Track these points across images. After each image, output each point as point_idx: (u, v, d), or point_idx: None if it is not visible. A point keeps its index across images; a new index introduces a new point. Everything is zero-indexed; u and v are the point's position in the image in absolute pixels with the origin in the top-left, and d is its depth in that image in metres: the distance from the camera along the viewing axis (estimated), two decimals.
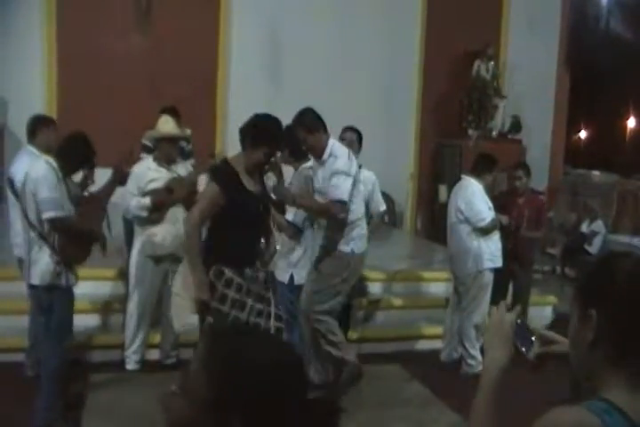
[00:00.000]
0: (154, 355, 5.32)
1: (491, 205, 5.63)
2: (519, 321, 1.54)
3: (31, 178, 4.02)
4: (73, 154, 4.25)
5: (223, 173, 4.02)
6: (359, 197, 4.77)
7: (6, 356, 5.22)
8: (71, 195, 4.16)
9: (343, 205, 4.53)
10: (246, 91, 9.71)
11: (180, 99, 8.95)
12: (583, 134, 20.23)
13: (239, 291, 3.95)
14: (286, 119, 5.04)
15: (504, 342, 1.51)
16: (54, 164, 4.08)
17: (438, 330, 6.32)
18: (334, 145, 4.63)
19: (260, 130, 4.06)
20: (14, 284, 5.46)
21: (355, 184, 4.65)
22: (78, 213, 4.13)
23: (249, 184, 4.05)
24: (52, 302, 4.05)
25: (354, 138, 5.46)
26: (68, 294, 4.16)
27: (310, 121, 4.60)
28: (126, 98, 9.37)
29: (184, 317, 3.99)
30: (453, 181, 9.92)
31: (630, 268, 1.35)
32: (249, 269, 4.05)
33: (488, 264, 5.56)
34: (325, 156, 4.58)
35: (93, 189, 4.67)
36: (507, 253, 5.74)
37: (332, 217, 4.59)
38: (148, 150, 5.97)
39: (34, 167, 4.13)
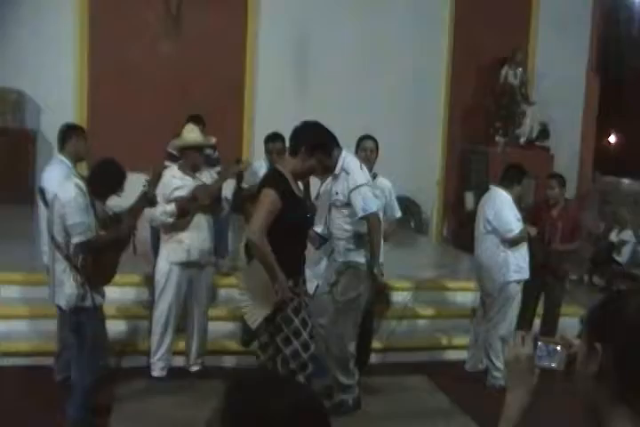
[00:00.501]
0: (179, 361, 5.34)
1: (519, 216, 5.58)
2: (539, 342, 1.53)
3: (60, 201, 4.05)
4: (104, 183, 4.26)
5: (277, 178, 4.01)
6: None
7: (36, 359, 5.31)
8: (99, 218, 4.17)
9: (375, 215, 4.63)
10: (273, 97, 9.75)
11: (208, 105, 9.03)
12: (611, 138, 19.96)
13: (299, 302, 3.97)
14: None
15: (523, 379, 1.53)
16: (84, 187, 4.11)
17: (464, 340, 6.28)
18: (346, 158, 4.69)
19: (317, 138, 4.07)
20: (43, 289, 5.55)
21: (373, 193, 4.74)
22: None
23: (297, 190, 4.09)
24: (81, 322, 4.08)
25: (374, 147, 5.50)
26: (95, 314, 4.19)
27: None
28: (155, 104, 9.46)
29: (258, 315, 3.93)
30: (480, 189, 9.96)
31: (638, 305, 1.34)
32: (300, 278, 4.10)
33: (514, 276, 5.51)
34: (338, 170, 4.65)
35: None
36: (536, 266, 5.68)
37: (378, 233, 4.68)
38: (173, 159, 6.01)
39: (63, 190, 4.15)
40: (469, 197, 10.07)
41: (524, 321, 5.97)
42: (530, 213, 5.97)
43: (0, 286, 5.89)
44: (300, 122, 4.22)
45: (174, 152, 6.23)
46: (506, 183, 5.67)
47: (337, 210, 4.70)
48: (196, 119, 6.50)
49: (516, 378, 1.53)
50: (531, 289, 5.79)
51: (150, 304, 5.59)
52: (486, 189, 9.61)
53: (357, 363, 5.23)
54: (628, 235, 9.14)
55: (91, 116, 9.57)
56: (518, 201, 5.68)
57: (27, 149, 9.26)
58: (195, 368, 5.32)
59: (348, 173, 4.60)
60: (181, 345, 5.38)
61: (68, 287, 4.05)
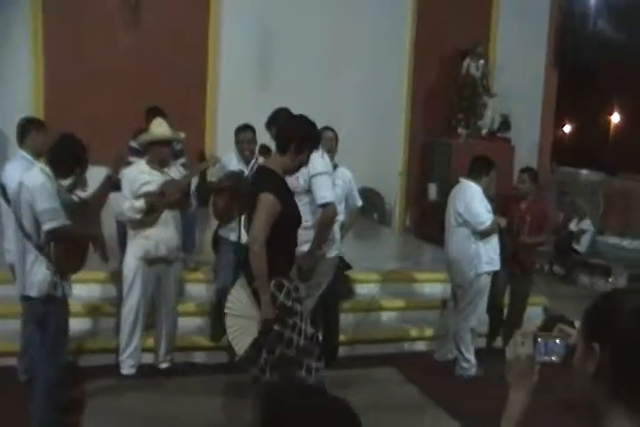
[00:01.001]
0: (148, 359, 5.29)
1: (489, 207, 5.62)
2: (538, 338, 1.56)
3: (27, 188, 3.94)
4: (65, 157, 4.16)
5: (272, 179, 3.88)
6: (336, 198, 4.82)
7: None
8: (64, 205, 4.08)
9: (332, 205, 4.62)
10: (236, 89, 9.69)
11: (170, 97, 8.90)
12: (568, 129, 20.35)
13: (297, 302, 3.89)
14: None
15: (524, 378, 1.56)
16: (49, 171, 4.03)
17: (431, 331, 6.38)
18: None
19: (307, 133, 3.99)
20: (5, 287, 5.45)
21: (333, 183, 4.75)
22: (71, 220, 4.06)
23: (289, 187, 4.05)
24: (48, 313, 4.00)
25: (334, 137, 5.57)
26: (63, 305, 4.12)
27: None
28: (115, 97, 9.30)
29: (246, 341, 3.78)
30: (443, 180, 10.08)
31: (633, 305, 1.37)
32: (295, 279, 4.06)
33: (486, 268, 5.57)
34: None
35: (85, 192, 4.63)
36: (506, 257, 5.76)
37: (329, 224, 4.64)
38: (137, 153, 5.93)
39: (28, 176, 4.05)
40: (432, 188, 10.18)
41: (494, 312, 6.07)
42: (499, 205, 6.02)
43: None
44: (284, 115, 4.17)
45: (137, 146, 6.16)
46: (474, 175, 5.70)
47: (298, 197, 4.54)
48: (157, 111, 6.41)
49: (517, 377, 1.57)
50: (499, 280, 5.87)
51: (118, 301, 5.52)
52: (449, 180, 9.83)
53: (325, 356, 5.27)
54: (586, 224, 9.35)
55: (47, 109, 9.37)
56: (486, 192, 5.72)
57: None
58: (164, 365, 5.27)
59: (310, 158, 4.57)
60: (150, 342, 5.32)
61: (40, 274, 3.97)
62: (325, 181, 4.63)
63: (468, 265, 5.58)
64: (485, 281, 5.63)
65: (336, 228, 5.02)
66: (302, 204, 4.55)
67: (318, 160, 4.62)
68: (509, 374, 1.58)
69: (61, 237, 3.96)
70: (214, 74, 10.05)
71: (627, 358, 1.34)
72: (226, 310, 3.86)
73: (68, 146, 4.17)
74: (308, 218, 4.55)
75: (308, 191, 4.65)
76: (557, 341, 1.56)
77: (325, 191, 4.61)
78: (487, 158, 5.84)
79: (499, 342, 6.14)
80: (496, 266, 5.64)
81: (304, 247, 4.56)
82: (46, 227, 3.91)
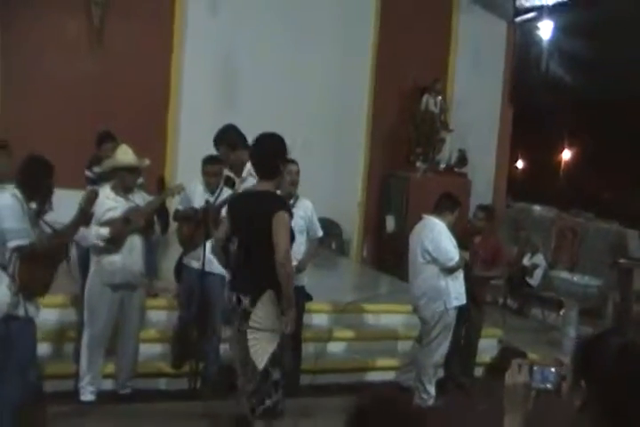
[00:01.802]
0: (108, 385, 5.25)
1: (455, 243, 5.73)
2: (534, 367, 1.66)
3: None
4: (33, 180, 4.17)
5: (279, 199, 4.08)
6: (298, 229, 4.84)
7: None
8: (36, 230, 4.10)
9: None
10: (198, 115, 9.73)
11: (131, 121, 8.93)
12: (521, 165, 20.90)
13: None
14: None
15: (520, 404, 1.66)
16: (19, 195, 4.04)
17: (389, 362, 6.47)
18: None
19: (284, 151, 4.13)
20: None
21: None
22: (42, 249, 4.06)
23: None
24: (10, 333, 3.96)
25: (297, 170, 5.55)
26: (27, 326, 4.08)
27: (232, 137, 4.76)
28: (75, 120, 9.23)
29: (265, 357, 3.87)
30: (400, 212, 10.27)
31: (618, 349, 1.49)
32: None
33: (454, 303, 5.65)
34: (245, 173, 4.66)
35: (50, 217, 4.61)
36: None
37: None
38: (92, 183, 5.95)
39: None
40: (390, 220, 10.34)
41: (453, 346, 6.16)
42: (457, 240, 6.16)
43: None
44: (259, 137, 4.13)
45: (92, 176, 6.17)
46: (439, 212, 5.79)
47: None
48: (107, 136, 6.43)
49: (512, 404, 1.67)
50: (459, 315, 5.97)
51: (78, 326, 5.48)
52: (406, 213, 10.02)
53: (287, 385, 5.31)
54: (539, 259, 9.59)
55: (4, 132, 9.25)
56: (452, 229, 5.84)
57: None
58: (124, 391, 5.24)
59: (254, 178, 4.46)
60: (110, 368, 5.29)
61: (0, 294, 3.94)
62: None
63: (437, 301, 5.64)
64: (453, 316, 5.71)
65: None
66: None
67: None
68: (506, 400, 1.68)
69: (29, 255, 3.95)
70: (176, 98, 10.10)
71: (611, 397, 1.45)
72: (250, 323, 3.89)
73: (36, 167, 4.18)
74: None
75: None
76: (552, 369, 1.67)
77: None
78: (453, 196, 5.96)
79: None
80: (463, 300, 5.73)
81: None
82: (11, 244, 3.91)
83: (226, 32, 9.98)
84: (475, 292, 6.15)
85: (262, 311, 3.88)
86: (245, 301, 3.90)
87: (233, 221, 4.12)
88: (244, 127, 9.77)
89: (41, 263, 4.06)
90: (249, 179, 4.58)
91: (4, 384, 3.98)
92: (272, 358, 3.88)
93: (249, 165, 4.56)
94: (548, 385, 1.66)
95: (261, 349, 3.87)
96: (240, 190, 4.67)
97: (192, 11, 10.03)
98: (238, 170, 4.72)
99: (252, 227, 3.95)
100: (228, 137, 4.77)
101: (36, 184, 4.16)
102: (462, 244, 6.06)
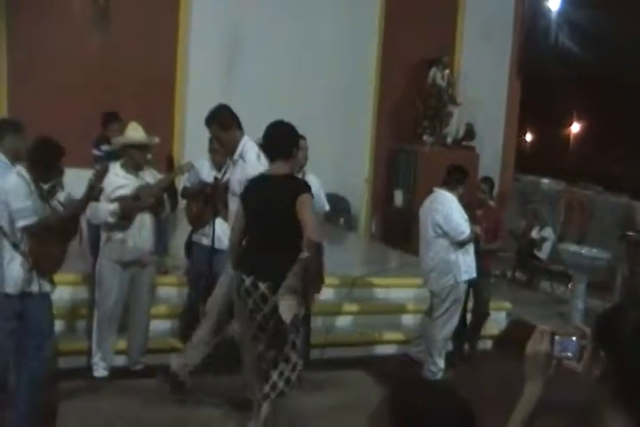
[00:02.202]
0: (120, 361, 5.32)
1: (466, 216, 5.72)
2: (556, 336, 1.68)
3: (3, 189, 4.01)
4: (43, 161, 4.20)
5: (301, 181, 4.10)
6: None
7: None
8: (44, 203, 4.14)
9: None
10: (204, 93, 9.66)
11: (138, 101, 8.92)
12: (530, 138, 20.77)
13: None
14: (244, 123, 5.10)
15: (541, 373, 1.68)
16: (26, 175, 4.07)
17: (398, 336, 6.53)
18: (246, 144, 4.62)
19: (297, 136, 4.22)
20: None
21: None
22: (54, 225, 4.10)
23: None
24: (26, 308, 4.03)
25: (306, 145, 5.51)
26: (43, 301, 4.15)
27: (225, 117, 4.63)
28: (81, 99, 9.22)
29: (292, 311, 3.94)
30: (409, 186, 10.26)
31: (635, 323, 1.52)
32: None
33: (464, 276, 5.67)
34: (236, 155, 4.59)
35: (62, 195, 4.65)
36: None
37: None
38: (100, 160, 5.97)
39: (5, 178, 4.10)
40: (398, 195, 10.34)
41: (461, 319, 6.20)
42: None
43: None
44: (273, 123, 4.20)
45: (101, 154, 6.19)
46: (450, 185, 5.78)
47: (232, 198, 4.54)
48: (112, 116, 6.46)
49: (533, 372, 1.69)
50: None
51: (89, 303, 5.54)
52: (414, 187, 10.01)
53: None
54: (547, 232, 9.58)
55: (11, 111, 9.27)
56: (461, 201, 5.83)
57: None
58: (137, 367, 5.31)
59: (245, 162, 4.52)
60: (122, 344, 5.35)
61: (14, 271, 4.01)
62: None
63: (447, 275, 5.66)
64: (463, 290, 5.75)
65: None
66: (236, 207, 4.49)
67: (254, 164, 4.54)
68: (527, 368, 1.70)
69: (39, 232, 3.99)
70: (183, 77, 10.08)
71: (629, 368, 1.48)
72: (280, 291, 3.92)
73: (46, 150, 4.20)
74: None
75: None
76: (574, 339, 1.68)
77: None
78: (462, 168, 5.94)
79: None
80: (473, 274, 5.75)
81: None
82: (20, 224, 3.96)
83: (232, 7, 9.91)
84: (481, 264, 6.15)
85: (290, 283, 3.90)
86: (262, 286, 3.92)
87: (250, 205, 4.10)
88: (250, 103, 9.82)
89: (52, 240, 4.10)
90: (239, 162, 4.56)
91: (23, 359, 4.05)
92: (294, 320, 3.97)
93: (241, 147, 4.56)
94: (569, 354, 1.67)
95: (289, 308, 3.92)
96: (230, 172, 4.65)
97: None
98: (231, 151, 4.62)
99: (274, 210, 3.95)
100: (220, 117, 4.65)
101: (46, 166, 4.19)
102: (471, 217, 6.07)
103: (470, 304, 6.39)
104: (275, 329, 4.01)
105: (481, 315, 6.42)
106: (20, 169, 4.12)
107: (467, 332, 6.37)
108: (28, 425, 4.09)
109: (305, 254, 3.80)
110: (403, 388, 1.46)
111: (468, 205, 6.33)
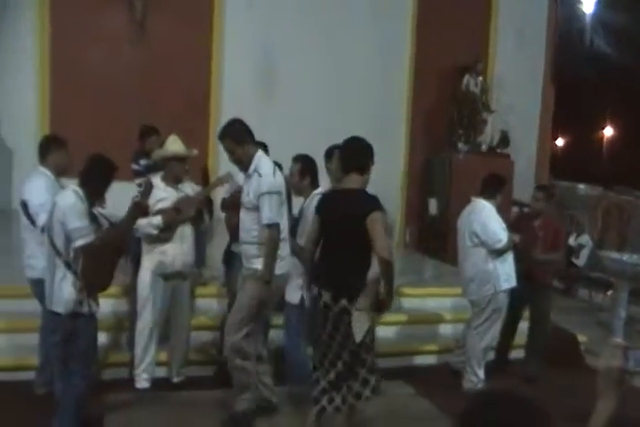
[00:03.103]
0: (161, 372, 5.36)
1: (504, 225, 5.68)
2: (629, 351, 1.66)
3: (59, 207, 4.07)
4: (97, 179, 4.25)
5: (373, 198, 4.07)
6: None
7: (15, 375, 5.26)
8: (97, 225, 4.20)
9: (276, 226, 4.49)
10: (239, 105, 9.75)
11: (173, 113, 9.04)
12: (564, 143, 20.56)
13: None
14: (277, 136, 5.11)
15: (613, 389, 1.68)
16: (81, 193, 4.13)
17: (435, 346, 6.50)
18: (260, 159, 4.55)
19: (372, 152, 4.22)
20: (23, 302, 5.52)
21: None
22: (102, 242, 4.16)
23: None
24: (76, 329, 4.09)
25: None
26: (91, 321, 4.21)
27: (238, 132, 4.55)
28: (119, 113, 9.39)
29: (363, 329, 4.00)
30: (443, 195, 10.21)
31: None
32: None
33: (504, 285, 5.63)
34: (251, 169, 4.52)
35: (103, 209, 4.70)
36: (521, 274, 5.82)
37: (274, 247, 4.53)
38: (139, 175, 6.02)
39: (62, 196, 4.18)
40: (433, 203, 10.30)
41: (506, 327, 6.14)
42: (511, 222, 6.10)
43: None
44: (350, 138, 4.24)
45: (139, 168, 6.25)
46: (488, 193, 5.76)
47: (247, 212, 4.56)
48: (150, 130, 6.51)
49: (606, 388, 1.68)
50: (516, 298, 5.93)
51: (130, 315, 5.60)
52: (449, 195, 9.96)
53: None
54: (585, 239, 9.46)
55: (52, 124, 9.47)
56: (499, 210, 5.79)
57: None
58: (178, 379, 5.34)
59: (260, 176, 4.45)
60: (163, 356, 5.40)
61: (66, 293, 4.07)
62: (274, 202, 4.48)
63: (486, 284, 5.63)
64: (503, 299, 5.69)
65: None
66: (250, 219, 4.54)
67: (270, 178, 4.50)
68: (600, 383, 1.69)
69: (91, 253, 4.05)
70: (217, 88, 10.18)
71: None
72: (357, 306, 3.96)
73: (100, 168, 4.25)
74: (255, 234, 4.52)
75: (257, 208, 4.49)
76: None
77: (272, 212, 4.46)
78: (499, 176, 5.91)
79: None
80: (513, 283, 5.70)
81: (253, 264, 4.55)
82: (78, 244, 4.01)
83: (264, 22, 10.01)
84: (538, 276, 6.07)
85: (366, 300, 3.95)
86: (343, 301, 3.92)
87: (325, 218, 4.12)
88: (284, 115, 9.88)
89: (103, 260, 4.15)
90: (254, 176, 4.49)
91: (71, 376, 4.10)
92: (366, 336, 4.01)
93: (256, 161, 4.50)
94: None
95: (362, 324, 3.96)
96: (244, 187, 4.59)
97: (231, 2, 10.03)
98: (245, 166, 4.55)
99: (346, 226, 3.95)
100: (234, 131, 4.56)
101: (99, 184, 4.24)
102: (515, 227, 6.00)
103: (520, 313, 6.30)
104: (350, 345, 4.02)
105: (539, 332, 6.24)
106: (77, 188, 4.17)
107: (526, 348, 6.30)
108: None
109: (376, 272, 3.83)
110: (480, 401, 1.44)
111: (526, 215, 6.22)
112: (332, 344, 4.06)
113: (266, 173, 4.44)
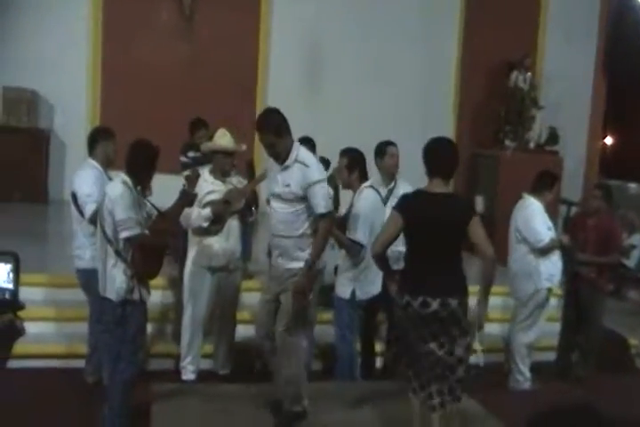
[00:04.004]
0: (206, 364, 5.40)
1: (550, 224, 5.61)
2: None
3: (109, 198, 4.12)
4: (142, 164, 4.27)
5: (473, 204, 4.22)
6: None
7: (66, 362, 5.40)
8: (146, 216, 4.25)
9: (331, 215, 4.39)
10: (285, 100, 9.69)
11: (221, 108, 9.10)
12: (614, 141, 20.12)
13: None
14: (325, 131, 4.99)
15: None
16: (130, 183, 4.17)
17: (484, 344, 6.39)
18: (300, 149, 4.32)
19: None
20: (68, 291, 5.63)
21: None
22: (150, 231, 4.21)
23: None
24: (126, 315, 4.15)
25: (398, 152, 5.57)
26: (141, 308, 4.26)
27: (279, 124, 4.25)
28: (167, 105, 9.52)
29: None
30: (490, 192, 10.07)
31: None
32: None
33: (545, 284, 5.58)
34: (290, 161, 4.26)
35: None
36: (570, 275, 5.73)
37: (327, 237, 4.44)
38: (187, 167, 6.06)
39: (111, 187, 4.23)
40: (479, 201, 10.15)
41: (565, 331, 6.05)
42: (570, 221, 5.98)
43: (26, 287, 5.90)
44: (434, 139, 4.18)
45: (188, 161, 6.30)
46: (537, 191, 5.70)
47: (285, 204, 4.28)
48: (199, 123, 6.56)
49: None
50: (570, 299, 5.87)
51: (176, 307, 5.65)
52: (496, 193, 9.82)
53: (367, 368, 5.35)
54: (636, 239, 9.24)
55: (103, 116, 9.63)
56: (550, 206, 5.67)
57: (40, 148, 9.33)
58: (223, 371, 5.38)
59: (307, 166, 4.23)
60: (209, 349, 5.44)
61: (118, 281, 4.12)
62: (326, 190, 4.35)
63: (527, 280, 5.61)
64: (544, 297, 5.63)
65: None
66: (290, 212, 4.28)
67: (317, 167, 4.34)
68: None
69: (138, 245, 4.10)
70: (264, 85, 10.22)
71: None
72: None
73: (144, 152, 4.28)
74: (297, 226, 4.29)
75: (302, 199, 4.25)
76: None
77: (327, 201, 4.32)
78: (550, 173, 5.83)
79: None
80: (554, 282, 5.65)
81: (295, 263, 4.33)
82: (122, 235, 4.07)
83: (312, 14, 10.01)
84: (586, 278, 5.91)
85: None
86: (454, 303, 3.76)
87: (416, 221, 3.89)
88: (331, 108, 9.85)
89: (151, 250, 4.20)
90: (296, 166, 4.25)
91: (119, 362, 4.16)
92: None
93: (296, 152, 4.28)
94: None
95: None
96: (277, 178, 4.33)
97: None
98: (284, 158, 4.28)
99: (448, 230, 3.82)
100: (273, 123, 4.24)
101: (145, 170, 4.27)
102: (571, 226, 5.88)
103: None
104: (462, 346, 3.89)
105: (589, 338, 6.08)
106: (126, 178, 4.21)
107: (578, 350, 6.19)
108: (121, 424, 4.19)
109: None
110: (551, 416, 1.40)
111: (582, 214, 6.06)
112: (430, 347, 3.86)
113: (313, 163, 4.29)
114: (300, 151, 4.31)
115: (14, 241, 5.63)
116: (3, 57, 9.17)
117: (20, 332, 1.06)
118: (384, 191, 5.45)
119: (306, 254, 4.28)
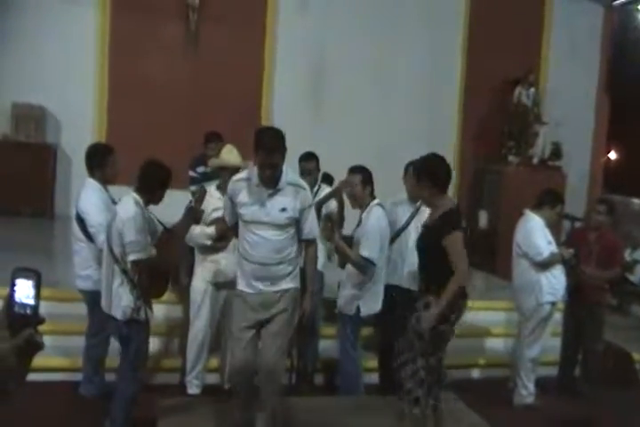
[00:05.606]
0: (212, 379, 5.42)
1: (551, 239, 5.66)
2: None
3: (121, 219, 4.16)
4: (154, 185, 4.33)
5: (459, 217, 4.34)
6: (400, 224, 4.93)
7: (58, 375, 5.42)
8: (152, 232, 4.29)
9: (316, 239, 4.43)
10: (289, 118, 9.83)
11: (225, 125, 9.12)
12: (615, 156, 20.13)
13: None
14: (328, 146, 5.00)
15: None
16: (141, 202, 4.22)
17: (489, 359, 6.42)
18: (288, 171, 4.18)
19: None
20: (66, 306, 5.66)
21: None
22: (156, 248, 4.26)
23: None
24: (130, 334, 4.19)
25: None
26: (145, 327, 4.30)
27: (284, 145, 4.10)
28: (172, 121, 9.59)
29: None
30: (493, 207, 10.11)
31: None
32: None
33: (548, 298, 5.62)
34: (282, 184, 4.08)
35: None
36: (571, 290, 5.76)
37: (316, 258, 4.53)
38: (195, 182, 6.11)
39: (123, 206, 4.27)
40: (483, 216, 10.20)
41: (566, 348, 6.08)
42: (571, 235, 6.03)
43: None
44: (428, 156, 4.34)
45: (196, 175, 6.34)
46: (539, 207, 5.78)
47: (278, 230, 4.10)
48: (214, 136, 6.60)
49: None
50: (570, 313, 5.89)
51: (183, 323, 5.68)
52: (499, 208, 9.86)
53: (385, 379, 5.37)
54: (639, 254, 9.26)
55: (109, 131, 9.70)
56: (553, 225, 5.74)
57: (47, 163, 9.39)
58: (229, 386, 5.38)
59: (304, 189, 4.16)
60: (214, 363, 5.46)
61: (124, 300, 4.17)
62: (314, 214, 4.31)
63: (529, 295, 5.65)
64: (547, 311, 5.66)
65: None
66: (283, 237, 4.12)
67: (307, 191, 4.27)
68: None
69: (144, 268, 4.14)
70: (268, 98, 10.28)
71: None
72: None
73: (157, 173, 4.33)
74: (290, 251, 4.18)
75: (295, 222, 4.15)
76: None
77: (314, 225, 4.30)
78: (553, 191, 5.93)
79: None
80: (558, 297, 5.67)
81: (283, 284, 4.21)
82: (131, 258, 4.11)
83: (316, 34, 10.09)
84: (587, 294, 5.95)
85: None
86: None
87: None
88: (334, 126, 9.91)
89: (159, 271, 4.24)
90: (293, 189, 4.14)
91: (121, 380, 4.20)
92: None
93: (286, 172, 4.11)
94: None
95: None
96: (267, 204, 4.12)
97: (283, 14, 10.15)
98: (276, 180, 4.11)
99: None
100: (284, 144, 4.12)
101: (157, 190, 4.32)
102: (574, 240, 5.92)
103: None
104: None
105: (586, 350, 6.14)
106: (137, 197, 4.25)
107: (580, 365, 6.22)
108: None
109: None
110: None
111: (583, 229, 6.12)
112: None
113: (305, 185, 4.26)
114: (288, 173, 4.19)
115: (19, 255, 5.67)
116: (12, 73, 9.28)
117: (39, 346, 1.09)
118: (408, 208, 5.40)
119: (293, 272, 4.22)
